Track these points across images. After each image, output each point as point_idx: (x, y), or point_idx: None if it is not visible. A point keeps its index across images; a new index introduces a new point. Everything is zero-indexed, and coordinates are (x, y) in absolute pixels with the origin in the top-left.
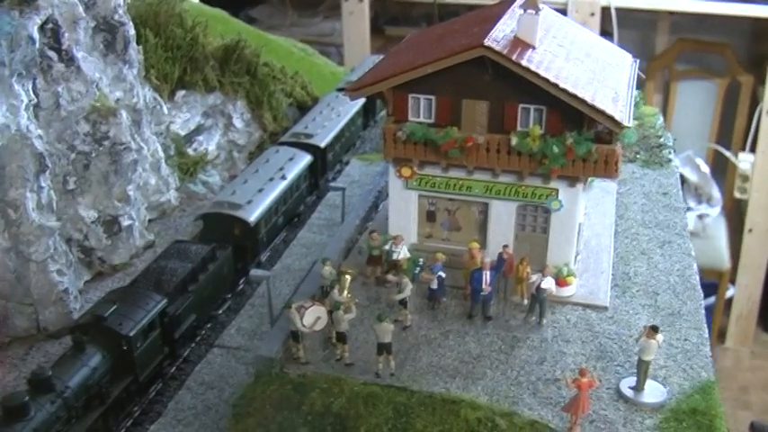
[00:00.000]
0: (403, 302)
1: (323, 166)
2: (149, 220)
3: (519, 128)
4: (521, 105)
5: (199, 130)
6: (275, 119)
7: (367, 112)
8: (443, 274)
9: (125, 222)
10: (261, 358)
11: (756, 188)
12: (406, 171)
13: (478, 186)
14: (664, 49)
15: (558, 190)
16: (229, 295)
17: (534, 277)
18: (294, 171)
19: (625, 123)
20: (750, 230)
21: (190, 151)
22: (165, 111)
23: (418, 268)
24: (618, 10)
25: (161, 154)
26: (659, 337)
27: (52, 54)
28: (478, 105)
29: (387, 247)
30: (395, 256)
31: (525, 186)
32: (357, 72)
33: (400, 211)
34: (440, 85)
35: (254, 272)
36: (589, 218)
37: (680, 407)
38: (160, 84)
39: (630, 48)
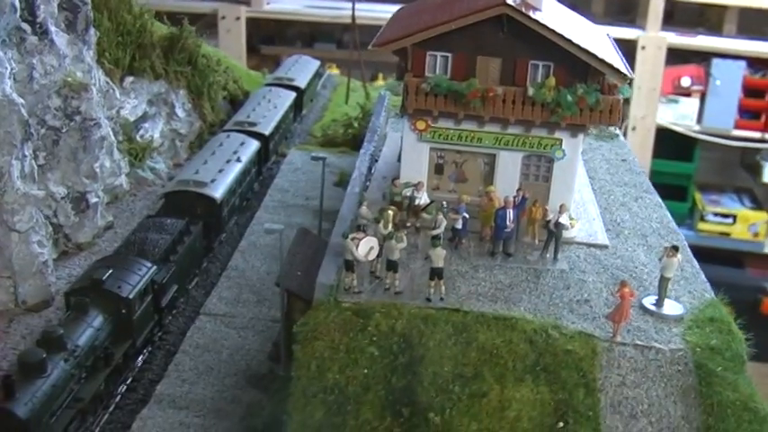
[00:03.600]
0: (437, 238)
1: (265, 153)
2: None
3: (530, 81)
4: (531, 62)
5: (144, 117)
6: (213, 109)
7: (296, 108)
8: (467, 215)
9: (92, 199)
10: (321, 286)
11: None
12: (420, 124)
13: (489, 138)
14: None
15: (561, 140)
16: (197, 271)
17: (551, 215)
18: (247, 155)
19: (629, 75)
20: None
21: (137, 138)
22: (118, 95)
23: (444, 210)
24: None
25: (113, 138)
26: (679, 256)
27: (26, 26)
28: (492, 62)
29: (408, 193)
30: (417, 202)
31: (532, 137)
32: (282, 69)
33: (412, 164)
34: (456, 43)
35: (269, 225)
36: None
37: (698, 317)
38: (112, 68)
39: None
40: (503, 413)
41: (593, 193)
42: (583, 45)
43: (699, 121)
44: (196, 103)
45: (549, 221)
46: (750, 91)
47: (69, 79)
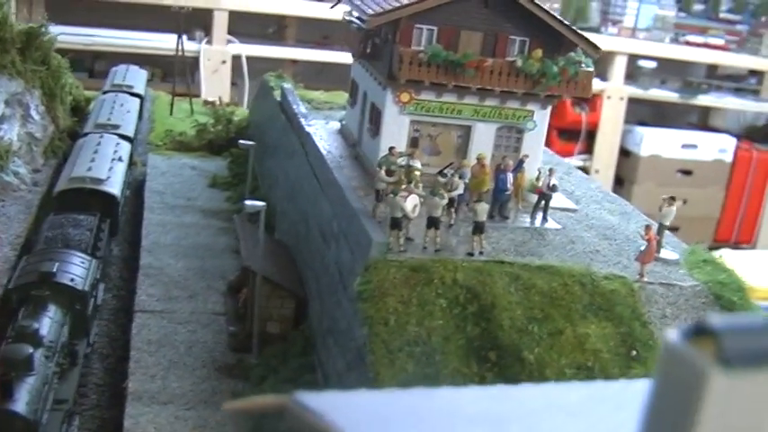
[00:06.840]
0: (452, 201)
1: (131, 155)
2: None
3: (508, 55)
4: (510, 36)
5: (1, 118)
6: (64, 113)
7: (139, 115)
8: (468, 181)
9: None
10: (377, 245)
11: None
12: (404, 96)
13: (468, 109)
14: None
15: (533, 111)
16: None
17: (542, 178)
18: (125, 155)
19: (601, 48)
20: None
21: None
22: None
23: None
24: (247, 58)
25: None
26: (676, 204)
27: None
28: (474, 36)
29: (403, 161)
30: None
31: (507, 109)
32: (117, 77)
33: (393, 136)
34: (442, 17)
35: (250, 202)
36: None
37: (691, 260)
38: None
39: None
40: (583, 347)
41: None
42: (563, 20)
43: None
44: (49, 106)
45: (540, 184)
46: None
47: None
